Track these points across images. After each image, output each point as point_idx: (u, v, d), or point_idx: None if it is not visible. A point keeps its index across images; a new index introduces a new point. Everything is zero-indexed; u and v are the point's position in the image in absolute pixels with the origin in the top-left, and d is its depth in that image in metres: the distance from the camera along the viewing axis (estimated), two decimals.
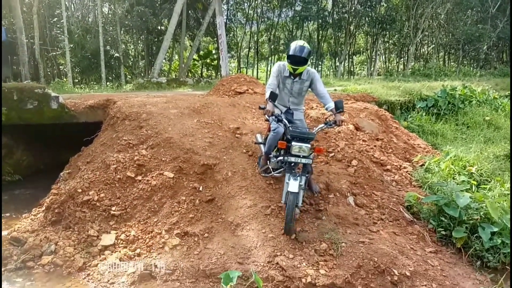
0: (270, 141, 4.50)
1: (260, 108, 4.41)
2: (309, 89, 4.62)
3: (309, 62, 4.38)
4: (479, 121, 9.35)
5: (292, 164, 4.10)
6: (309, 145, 4.04)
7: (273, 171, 4.65)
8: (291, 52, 4.24)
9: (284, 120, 4.19)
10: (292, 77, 4.40)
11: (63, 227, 4.59)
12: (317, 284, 3.66)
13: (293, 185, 3.92)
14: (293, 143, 4.03)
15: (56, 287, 3.77)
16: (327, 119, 4.40)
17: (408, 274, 3.76)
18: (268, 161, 4.66)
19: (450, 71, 22.07)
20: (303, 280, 3.68)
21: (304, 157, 4.05)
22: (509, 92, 11.20)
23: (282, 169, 4.46)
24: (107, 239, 4.40)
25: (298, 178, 3.98)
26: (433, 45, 26.85)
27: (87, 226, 4.55)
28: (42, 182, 6.28)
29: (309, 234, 4.22)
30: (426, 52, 28.90)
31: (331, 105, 4.24)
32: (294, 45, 4.27)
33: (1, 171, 6.28)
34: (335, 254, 3.96)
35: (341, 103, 4.17)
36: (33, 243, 4.32)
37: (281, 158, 4.19)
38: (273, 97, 4.15)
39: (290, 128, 4.16)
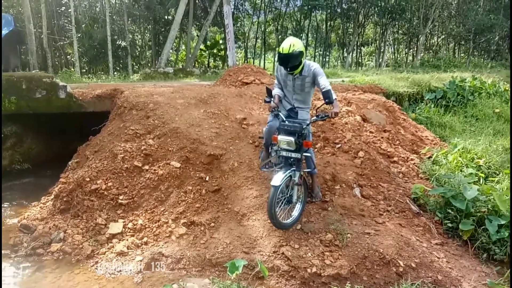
0: (265, 134, 4.46)
1: (265, 101, 4.30)
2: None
3: (304, 61, 4.10)
4: (489, 113, 9.23)
5: (286, 158, 3.99)
6: (291, 138, 3.86)
7: (275, 166, 4.44)
8: (279, 49, 4.05)
9: (281, 114, 4.13)
10: (293, 74, 4.20)
11: (71, 215, 4.66)
12: (322, 274, 3.68)
13: (276, 177, 3.79)
14: (279, 136, 3.97)
15: (65, 274, 3.84)
16: (317, 111, 4.23)
17: (413, 265, 3.76)
18: (269, 156, 4.60)
19: (460, 63, 21.74)
20: (309, 270, 3.71)
21: (294, 151, 3.92)
22: None
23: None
24: (115, 227, 4.47)
25: (288, 172, 3.86)
26: (443, 36, 26.42)
27: (95, 214, 4.61)
28: (50, 170, 6.37)
29: (314, 225, 4.23)
30: (436, 43, 28.46)
31: (323, 91, 4.04)
32: (282, 44, 4.00)
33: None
34: (340, 244, 3.97)
35: (328, 93, 3.87)
36: (42, 230, 4.40)
37: (277, 149, 4.10)
38: (269, 92, 4.15)
39: (282, 121, 4.08)
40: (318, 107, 4.25)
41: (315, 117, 4.07)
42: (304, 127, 3.93)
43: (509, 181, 5.17)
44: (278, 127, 4.06)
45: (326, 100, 3.88)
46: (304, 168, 4.34)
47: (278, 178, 3.77)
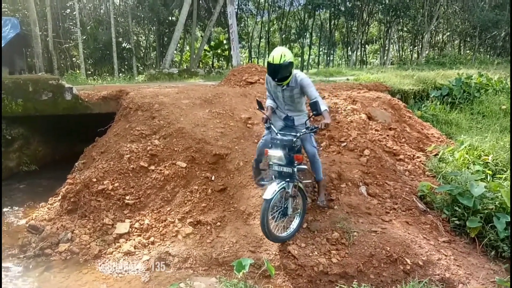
0: (257, 150, 4.35)
1: (258, 109, 4.13)
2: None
3: (294, 72, 3.92)
4: (495, 110, 9.14)
5: (279, 172, 3.82)
6: (280, 153, 3.72)
7: (270, 180, 4.18)
8: (268, 59, 3.85)
9: (272, 127, 3.99)
10: (281, 85, 3.99)
11: (78, 216, 4.69)
12: (329, 272, 3.68)
13: (268, 190, 3.63)
14: (269, 150, 3.82)
15: (73, 274, 3.87)
16: (307, 123, 3.97)
17: (420, 263, 3.74)
18: (260, 172, 4.41)
19: (466, 59, 21.54)
20: (315, 268, 3.71)
21: (285, 165, 3.75)
22: None
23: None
24: (122, 227, 4.49)
25: (281, 184, 3.71)
26: (448, 33, 26.23)
27: (102, 214, 4.64)
28: (58, 172, 6.42)
29: (321, 223, 4.23)
30: (441, 40, 28.25)
31: (324, 107, 3.84)
32: (272, 53, 3.82)
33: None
34: (347, 243, 3.96)
35: (315, 104, 3.66)
36: (50, 231, 4.44)
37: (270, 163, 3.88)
38: (260, 105, 4.06)
39: (274, 135, 3.92)
40: (310, 117, 4.04)
41: (305, 130, 3.89)
42: (294, 140, 3.77)
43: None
44: (270, 141, 3.90)
45: (314, 112, 3.69)
46: (302, 177, 4.25)
47: (270, 190, 3.62)
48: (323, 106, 3.77)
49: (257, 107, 4.12)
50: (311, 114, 3.88)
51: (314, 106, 3.66)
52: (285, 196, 3.87)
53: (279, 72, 3.78)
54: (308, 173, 4.63)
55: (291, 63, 3.78)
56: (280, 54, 3.73)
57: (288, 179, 3.79)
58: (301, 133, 3.88)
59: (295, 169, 3.79)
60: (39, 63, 14.32)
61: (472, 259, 4.07)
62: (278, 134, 3.90)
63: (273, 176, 3.90)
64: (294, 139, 3.78)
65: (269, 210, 3.64)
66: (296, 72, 4.00)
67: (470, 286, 3.57)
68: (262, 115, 4.19)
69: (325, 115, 3.76)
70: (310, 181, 4.51)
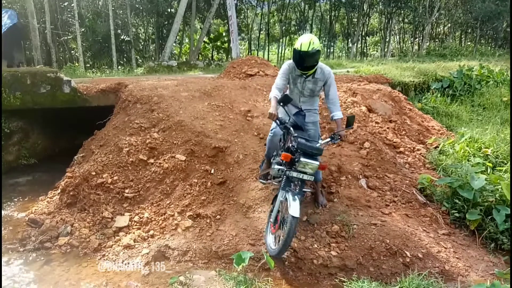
0: (268, 143, 4.14)
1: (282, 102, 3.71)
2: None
3: (319, 64, 3.77)
4: (496, 102, 9.11)
5: (293, 179, 3.63)
6: (317, 163, 3.48)
7: (273, 179, 4.14)
8: (296, 46, 3.65)
9: (291, 129, 3.64)
10: (304, 75, 3.81)
11: (78, 209, 4.69)
12: (328, 265, 3.68)
13: (294, 207, 3.36)
14: (302, 158, 3.46)
15: (73, 267, 3.87)
16: (333, 134, 3.75)
17: (420, 256, 3.74)
18: (270, 167, 4.19)
19: (467, 51, 21.44)
20: (315, 261, 3.71)
21: (308, 174, 3.55)
22: None
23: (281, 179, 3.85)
24: (121, 220, 4.49)
25: (297, 197, 3.50)
26: (449, 24, 26.04)
27: (101, 208, 4.63)
28: (57, 165, 6.40)
29: (320, 216, 4.22)
30: (442, 31, 28.08)
31: (339, 114, 3.81)
32: (300, 40, 3.62)
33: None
34: (346, 236, 3.96)
35: (353, 118, 3.70)
36: (49, 224, 4.43)
37: (282, 168, 3.63)
38: (285, 100, 3.60)
39: (298, 138, 3.56)
40: (338, 131, 3.75)
41: (329, 139, 3.72)
42: (323, 149, 3.59)
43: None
44: (298, 146, 3.50)
45: (349, 127, 3.70)
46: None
47: (296, 207, 3.36)
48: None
49: (281, 104, 3.64)
50: (330, 115, 3.85)
51: (352, 120, 3.68)
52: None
53: (306, 60, 3.59)
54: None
55: (318, 51, 3.59)
56: (309, 41, 3.52)
57: (297, 190, 3.62)
58: (326, 142, 3.72)
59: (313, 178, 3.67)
60: (38, 56, 14.25)
61: (471, 251, 4.07)
62: (301, 139, 3.55)
63: (286, 183, 3.66)
64: (323, 147, 3.65)
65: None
66: (322, 64, 3.85)
67: (469, 279, 3.58)
68: (262, 108, 4.06)
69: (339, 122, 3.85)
70: (310, 190, 4.41)
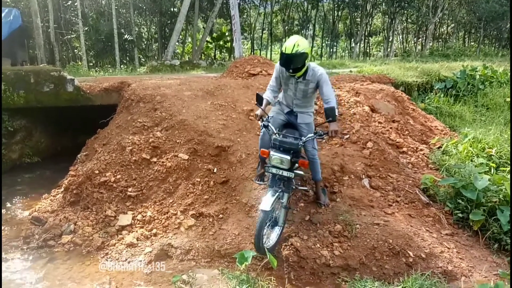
0: (260, 142, 4.14)
1: (257, 101, 3.81)
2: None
3: (308, 63, 3.72)
4: (500, 103, 9.07)
5: (276, 176, 3.62)
6: (287, 157, 3.47)
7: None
8: (282, 48, 3.64)
9: (271, 126, 3.67)
10: (295, 76, 3.79)
11: (81, 208, 4.70)
12: (331, 265, 3.68)
13: (265, 201, 3.42)
14: (271, 152, 3.55)
15: (76, 265, 3.88)
16: (316, 128, 3.73)
17: (423, 256, 3.74)
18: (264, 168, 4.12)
19: (470, 51, 21.37)
20: (318, 261, 3.71)
21: (286, 170, 3.53)
22: None
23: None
24: (124, 219, 4.50)
25: (278, 194, 3.52)
26: (453, 24, 25.96)
27: (104, 206, 4.65)
28: (60, 163, 6.43)
29: (323, 216, 4.22)
30: (445, 31, 27.97)
31: (329, 103, 3.66)
32: (286, 42, 3.62)
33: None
34: (349, 235, 3.95)
35: (332, 110, 3.47)
36: (53, 222, 4.45)
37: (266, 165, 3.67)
38: (259, 101, 3.73)
39: (275, 135, 3.65)
40: (321, 123, 3.68)
41: (312, 135, 3.66)
42: (300, 145, 3.56)
43: None
44: (272, 142, 3.61)
45: (329, 119, 3.46)
46: (300, 182, 4.19)
47: (268, 201, 3.41)
48: (337, 111, 3.57)
49: (256, 103, 3.79)
50: (323, 120, 3.62)
51: (331, 111, 3.45)
52: (278, 207, 3.70)
53: (291, 62, 3.58)
54: (304, 180, 4.59)
55: (304, 54, 3.55)
56: (294, 43, 3.51)
57: (283, 188, 3.61)
58: (308, 138, 3.64)
59: (294, 175, 3.61)
60: (41, 55, 14.30)
61: (474, 252, 4.06)
62: (279, 135, 3.64)
63: (272, 181, 3.70)
64: (301, 143, 3.57)
65: (267, 222, 3.47)
66: (314, 65, 3.82)
67: (472, 279, 3.56)
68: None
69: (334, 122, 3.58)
70: (307, 188, 4.40)
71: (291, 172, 3.55)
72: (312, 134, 3.67)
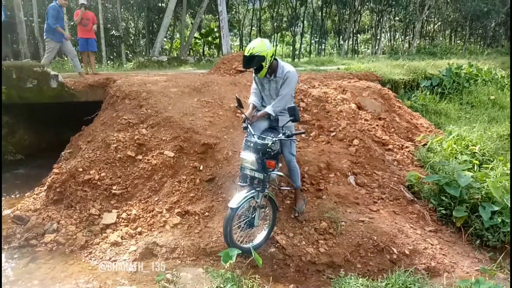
0: (243, 145, 4.06)
1: (236, 103, 3.98)
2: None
3: (279, 63, 3.90)
4: (484, 100, 9.24)
5: (251, 177, 3.63)
6: (252, 157, 3.52)
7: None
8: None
9: (250, 128, 3.77)
10: (268, 75, 3.93)
11: (65, 206, 4.62)
12: (316, 262, 3.70)
13: (234, 198, 3.49)
14: (241, 152, 3.70)
15: (59, 265, 3.82)
16: (283, 129, 3.79)
17: (407, 252, 3.78)
18: None
19: (456, 49, 21.67)
20: (303, 258, 3.72)
21: (257, 171, 3.55)
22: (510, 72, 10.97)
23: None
24: (109, 217, 4.44)
25: (250, 193, 3.55)
26: (440, 23, 26.28)
27: (88, 205, 4.58)
28: (44, 161, 6.31)
29: (309, 213, 4.23)
30: (432, 29, 28.32)
31: (269, 107, 3.86)
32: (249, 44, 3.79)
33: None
34: (335, 233, 3.98)
35: (293, 110, 3.47)
36: (35, 221, 4.36)
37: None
38: (239, 103, 3.92)
39: (247, 137, 3.77)
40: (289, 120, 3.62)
41: (281, 135, 3.65)
42: (269, 145, 3.56)
43: (505, 167, 5.18)
44: (244, 142, 3.75)
45: (292, 118, 3.49)
46: (283, 183, 4.19)
47: (237, 199, 3.47)
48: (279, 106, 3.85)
49: (236, 105, 3.91)
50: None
51: (292, 111, 3.46)
52: (254, 206, 3.69)
53: (247, 63, 3.78)
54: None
55: (259, 57, 3.67)
56: (251, 46, 3.70)
57: (258, 188, 3.60)
58: (277, 138, 3.65)
59: (268, 176, 3.62)
60: (25, 50, 13.97)
61: (457, 248, 4.12)
62: (255, 136, 3.69)
63: (250, 182, 3.67)
64: (270, 143, 3.56)
65: (234, 219, 3.51)
66: (285, 64, 3.94)
67: (454, 275, 3.62)
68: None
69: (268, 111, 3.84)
70: (289, 188, 4.37)
71: (263, 173, 3.55)
72: (281, 135, 3.65)
